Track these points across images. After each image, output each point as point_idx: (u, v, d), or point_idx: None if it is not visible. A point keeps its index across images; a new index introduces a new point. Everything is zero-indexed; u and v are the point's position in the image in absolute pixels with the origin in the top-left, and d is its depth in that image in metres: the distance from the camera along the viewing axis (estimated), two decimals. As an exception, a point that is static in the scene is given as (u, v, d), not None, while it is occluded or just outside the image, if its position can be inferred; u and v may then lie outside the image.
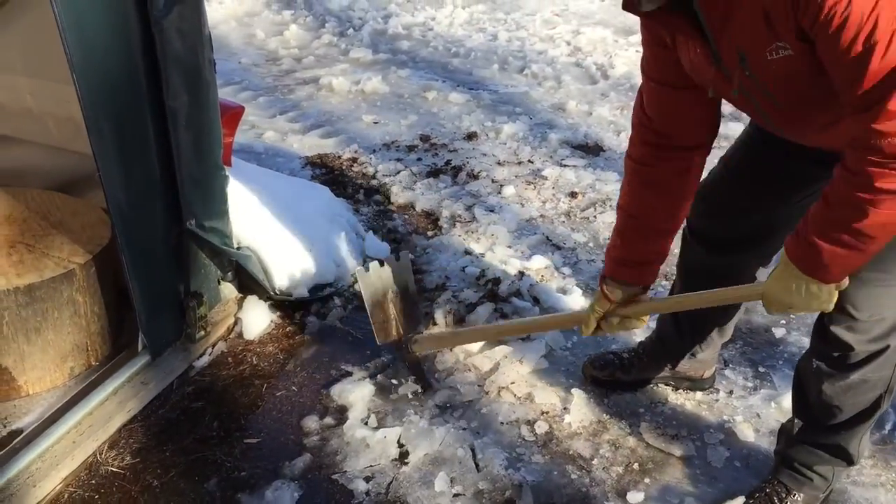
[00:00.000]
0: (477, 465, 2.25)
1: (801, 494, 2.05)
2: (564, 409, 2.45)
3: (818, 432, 1.98)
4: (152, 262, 2.36)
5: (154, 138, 2.22)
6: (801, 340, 2.74)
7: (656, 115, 1.82)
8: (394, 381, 2.53)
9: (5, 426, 2.24)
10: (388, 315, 2.53)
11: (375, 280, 2.51)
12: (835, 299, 1.61)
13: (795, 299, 1.62)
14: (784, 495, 2.05)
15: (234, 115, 2.88)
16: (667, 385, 2.53)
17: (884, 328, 1.74)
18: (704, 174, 1.99)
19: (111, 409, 2.31)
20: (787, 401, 2.24)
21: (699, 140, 1.85)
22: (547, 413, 2.44)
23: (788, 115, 1.63)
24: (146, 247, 2.32)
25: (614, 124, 4.56)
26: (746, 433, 2.36)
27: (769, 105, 1.61)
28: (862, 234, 1.44)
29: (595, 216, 3.57)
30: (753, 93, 1.60)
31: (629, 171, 1.92)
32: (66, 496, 2.09)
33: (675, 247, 2.20)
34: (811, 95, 1.50)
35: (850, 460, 1.99)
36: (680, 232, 2.09)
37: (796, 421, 2.03)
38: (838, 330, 1.77)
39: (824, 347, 1.84)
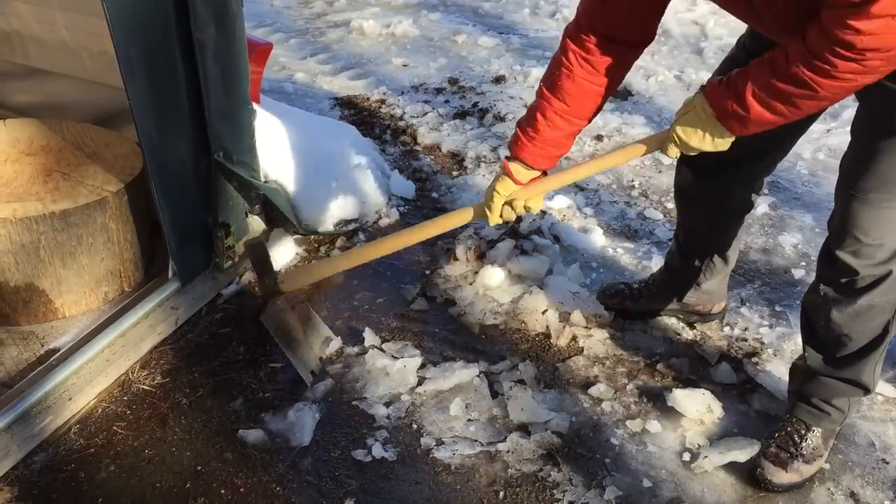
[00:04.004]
0: (492, 394, 2.32)
1: (820, 429, 2.06)
2: (581, 343, 2.50)
3: (831, 364, 1.99)
4: (182, 192, 2.43)
5: (183, 70, 2.27)
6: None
7: (606, 7, 1.75)
8: (415, 315, 2.60)
9: (43, 345, 2.35)
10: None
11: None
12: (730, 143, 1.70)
13: (705, 143, 1.70)
14: (804, 432, 2.06)
15: (262, 51, 2.92)
16: (676, 319, 2.57)
17: (886, 253, 1.76)
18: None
19: (143, 331, 2.41)
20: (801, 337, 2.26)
21: (639, 39, 1.82)
22: (563, 346, 2.49)
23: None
24: (176, 177, 2.38)
25: (643, 69, 4.52)
26: (759, 369, 2.40)
27: None
28: (798, 106, 1.49)
29: (620, 159, 3.57)
30: None
31: (568, 52, 1.83)
32: (99, 410, 2.20)
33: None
34: None
35: (866, 388, 2.00)
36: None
37: (807, 355, 2.04)
38: (844, 255, 1.80)
39: (831, 273, 1.87)
